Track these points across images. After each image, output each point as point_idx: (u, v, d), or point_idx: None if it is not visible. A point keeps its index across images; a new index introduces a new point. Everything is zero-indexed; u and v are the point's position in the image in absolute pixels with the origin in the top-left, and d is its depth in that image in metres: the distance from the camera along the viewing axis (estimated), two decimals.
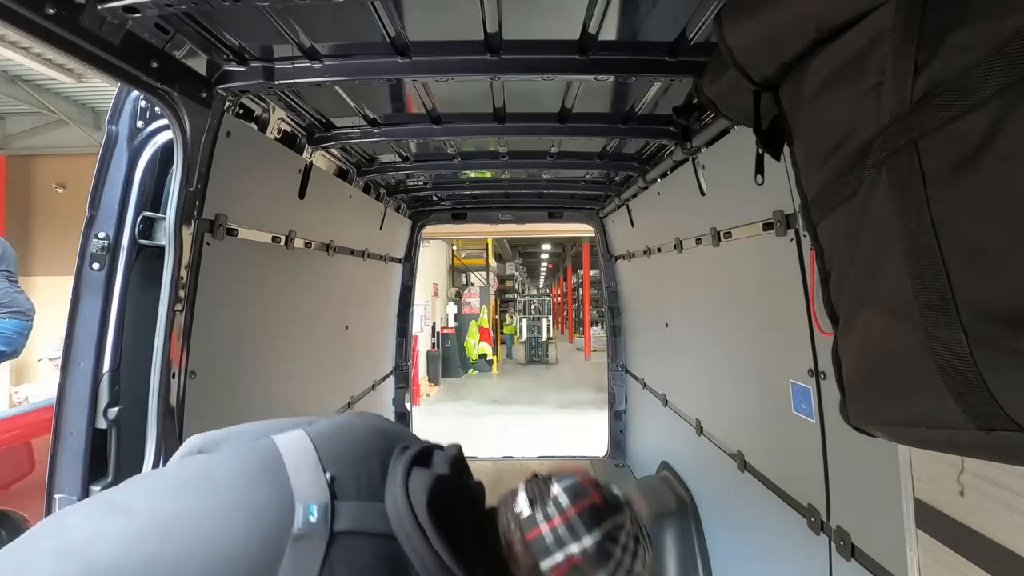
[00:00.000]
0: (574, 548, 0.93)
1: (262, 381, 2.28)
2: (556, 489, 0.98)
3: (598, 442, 5.16)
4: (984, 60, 0.61)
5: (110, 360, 1.64)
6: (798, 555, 1.79)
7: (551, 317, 20.77)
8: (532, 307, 19.40)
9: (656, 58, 1.76)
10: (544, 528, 0.95)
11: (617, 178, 3.56)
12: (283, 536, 0.83)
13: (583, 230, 7.05)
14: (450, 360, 14.07)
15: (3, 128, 8.48)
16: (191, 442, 1.12)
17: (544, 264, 29.20)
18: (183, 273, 1.68)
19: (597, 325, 23.20)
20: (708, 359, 2.69)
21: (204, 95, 1.69)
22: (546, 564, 0.94)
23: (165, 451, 1.60)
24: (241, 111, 1.96)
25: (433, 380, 12.84)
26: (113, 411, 1.63)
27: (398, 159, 3.10)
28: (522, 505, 0.99)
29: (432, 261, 13.58)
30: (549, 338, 17.95)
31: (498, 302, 21.86)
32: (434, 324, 13.94)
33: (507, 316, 22.00)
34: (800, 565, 1.79)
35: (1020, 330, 0.59)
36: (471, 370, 14.86)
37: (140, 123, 1.69)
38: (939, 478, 1.08)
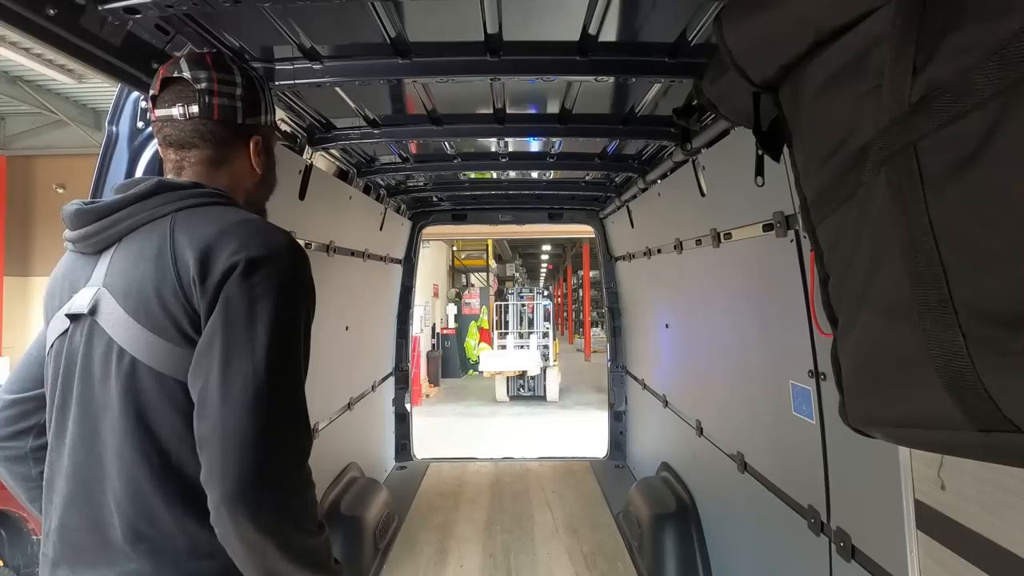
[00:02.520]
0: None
1: None
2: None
3: (598, 443, 5.16)
4: (982, 62, 0.61)
5: None
6: (798, 556, 1.79)
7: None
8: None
9: (656, 59, 1.76)
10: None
11: (617, 179, 3.56)
12: None
13: (583, 231, 7.05)
14: (450, 361, 14.07)
15: (3, 128, 8.47)
16: None
17: (544, 265, 29.17)
18: None
19: (597, 326, 23.19)
20: (708, 360, 2.69)
21: None
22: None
23: None
24: None
25: (433, 381, 12.84)
26: None
27: (398, 160, 3.10)
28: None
29: (432, 262, 13.58)
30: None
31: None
32: (434, 325, 13.94)
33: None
34: (800, 566, 1.78)
35: (1018, 331, 0.59)
36: (471, 371, 14.85)
37: (140, 123, 1.68)
38: (939, 479, 1.08)
